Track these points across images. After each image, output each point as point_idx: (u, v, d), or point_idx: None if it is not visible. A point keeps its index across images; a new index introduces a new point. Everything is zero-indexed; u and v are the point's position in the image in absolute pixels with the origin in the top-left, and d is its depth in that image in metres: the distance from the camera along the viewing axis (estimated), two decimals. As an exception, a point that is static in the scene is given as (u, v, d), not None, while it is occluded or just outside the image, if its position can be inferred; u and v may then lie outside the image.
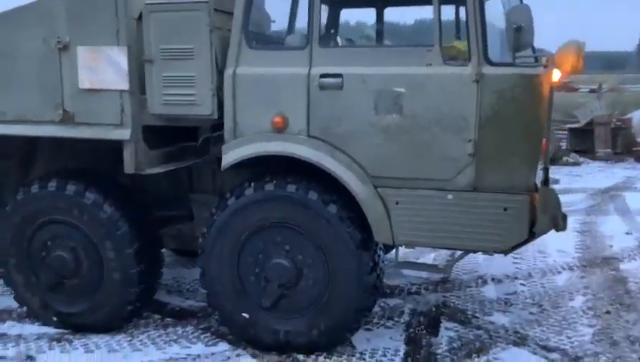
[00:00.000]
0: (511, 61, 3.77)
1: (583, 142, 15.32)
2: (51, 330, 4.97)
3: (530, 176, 3.87)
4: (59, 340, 4.80)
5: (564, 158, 14.44)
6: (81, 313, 4.90)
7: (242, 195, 4.35)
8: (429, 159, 3.99)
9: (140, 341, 4.77)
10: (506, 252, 4.07)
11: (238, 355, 4.51)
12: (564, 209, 8.42)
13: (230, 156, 4.33)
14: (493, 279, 6.05)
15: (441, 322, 5.03)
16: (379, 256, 4.33)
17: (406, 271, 6.22)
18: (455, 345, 4.64)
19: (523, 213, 3.87)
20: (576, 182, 11.82)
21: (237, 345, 4.62)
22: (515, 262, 6.59)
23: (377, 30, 5.80)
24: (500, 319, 5.09)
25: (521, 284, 5.92)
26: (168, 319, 5.18)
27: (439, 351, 4.54)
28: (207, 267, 4.51)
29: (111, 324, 4.89)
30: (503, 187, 3.90)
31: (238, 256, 4.44)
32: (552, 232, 7.30)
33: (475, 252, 4.17)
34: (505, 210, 3.89)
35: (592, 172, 13.07)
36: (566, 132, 15.76)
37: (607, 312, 5.21)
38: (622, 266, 6.45)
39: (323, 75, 4.08)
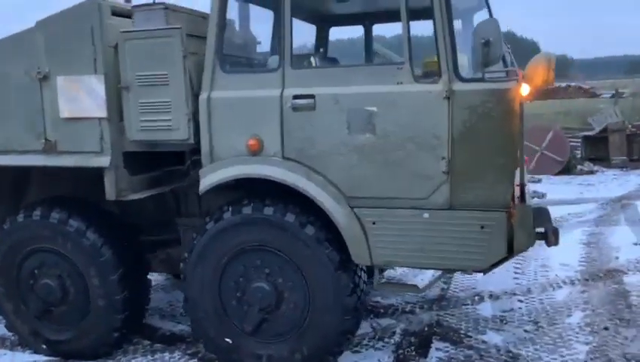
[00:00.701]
0: (480, 76, 3.71)
1: (598, 150, 15.05)
2: (42, 358, 4.99)
3: (507, 193, 3.77)
4: (47, 368, 4.82)
5: (578, 167, 14.20)
6: (69, 340, 4.91)
7: (221, 219, 4.33)
8: (403, 178, 3.93)
9: (128, 369, 4.76)
10: (484, 271, 3.98)
11: (221, 381, 4.46)
12: (574, 220, 8.32)
13: (207, 180, 4.32)
14: (490, 296, 5.92)
15: (432, 342, 4.93)
16: (359, 277, 4.25)
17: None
18: (443, 366, 4.53)
19: (500, 230, 3.77)
20: (588, 191, 11.60)
21: (225, 369, 4.57)
22: (515, 278, 6.46)
23: (366, 47, 5.80)
24: (493, 338, 4.96)
25: (519, 301, 5.78)
26: (158, 344, 5.16)
27: (426, 372, 4.45)
28: (189, 292, 4.49)
29: (98, 351, 4.89)
30: (480, 204, 3.82)
31: (220, 280, 4.41)
32: (556, 246, 7.22)
33: (453, 271, 4.08)
34: (482, 227, 3.80)
35: (606, 180, 12.81)
36: (580, 140, 15.51)
37: (605, 328, 5.05)
38: (626, 279, 6.27)
39: (296, 97, 4.06)
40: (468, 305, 5.73)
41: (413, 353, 4.76)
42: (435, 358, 4.65)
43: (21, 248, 4.89)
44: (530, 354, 4.65)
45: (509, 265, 6.69)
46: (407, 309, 5.67)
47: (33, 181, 5.44)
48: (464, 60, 4.04)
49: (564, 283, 6.24)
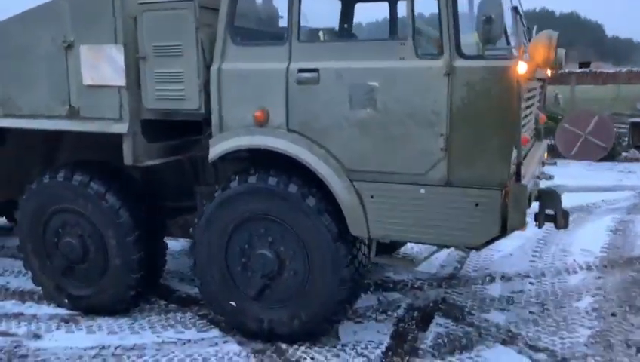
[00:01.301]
0: (480, 54, 3.70)
1: (646, 137, 14.54)
2: (64, 311, 5.30)
3: (503, 171, 3.78)
4: (68, 321, 5.12)
5: (623, 154, 13.77)
6: (88, 296, 5.21)
7: (228, 188, 4.49)
8: (402, 153, 3.98)
9: (140, 324, 5.01)
10: (477, 248, 4.01)
11: (225, 341, 4.66)
12: (606, 207, 8.17)
13: (216, 149, 4.48)
14: (502, 277, 5.92)
15: (433, 318, 4.99)
16: (358, 249, 4.35)
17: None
18: (441, 341, 4.60)
19: (495, 208, 3.79)
20: (628, 179, 11.28)
21: (228, 332, 4.77)
22: (532, 261, 6.42)
23: (391, 24, 5.82)
24: (496, 317, 4.99)
25: (530, 283, 5.76)
26: (172, 305, 5.40)
27: (422, 346, 4.52)
28: (198, 257, 4.69)
29: (115, 307, 5.16)
30: (476, 182, 3.84)
31: (226, 246, 4.58)
32: (582, 231, 7.15)
33: (447, 247, 4.12)
34: (477, 205, 3.83)
35: (649, 169, 12.39)
36: (627, 126, 14.99)
37: (613, 314, 5.00)
38: (647, 267, 6.15)
39: (300, 70, 4.15)
40: (478, 284, 5.75)
41: (414, 326, 4.84)
42: (434, 332, 4.72)
43: (46, 208, 5.19)
44: (530, 334, 4.66)
45: (527, 248, 6.73)
46: (416, 285, 5.74)
47: (64, 145, 5.74)
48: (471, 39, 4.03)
49: (581, 268, 6.16)
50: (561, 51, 5.79)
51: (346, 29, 5.86)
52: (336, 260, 4.25)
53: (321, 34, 4.42)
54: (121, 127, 4.70)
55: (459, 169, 3.87)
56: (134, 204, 5.03)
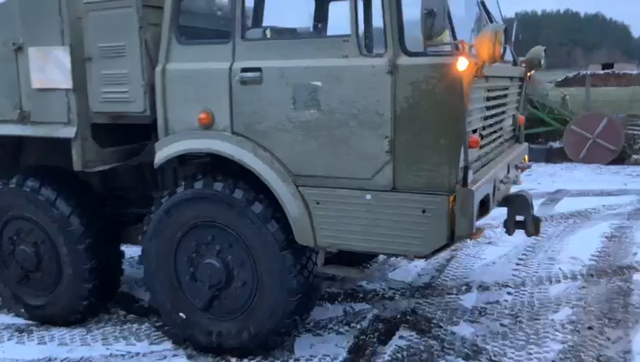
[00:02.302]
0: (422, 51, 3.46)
1: (659, 140, 14.03)
2: (21, 321, 5.16)
3: (450, 176, 3.52)
4: (22, 331, 4.98)
5: (633, 157, 13.30)
6: (43, 306, 5.06)
7: (174, 194, 4.30)
8: (348, 157, 3.75)
9: (93, 336, 4.84)
10: (426, 257, 3.74)
11: (174, 355, 4.46)
12: (606, 212, 7.85)
13: (161, 154, 4.30)
14: (480, 286, 5.62)
15: (398, 330, 4.73)
16: (309, 258, 4.11)
17: (392, 275, 5.99)
18: (399, 355, 4.33)
19: (442, 215, 3.53)
20: (634, 183, 10.87)
21: (180, 344, 4.57)
22: (515, 269, 6.11)
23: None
24: (463, 330, 4.71)
25: (508, 293, 5.45)
26: (131, 315, 5.23)
27: (379, 360, 4.26)
28: (146, 266, 4.50)
29: (69, 318, 5.00)
30: (422, 187, 3.59)
31: (175, 254, 4.39)
32: (575, 237, 6.83)
33: (396, 256, 3.87)
34: (423, 211, 3.58)
35: (658, 172, 11.92)
36: (640, 128, 14.50)
37: (590, 328, 4.68)
38: (635, 277, 5.78)
39: (244, 70, 3.95)
40: (452, 294, 5.46)
41: (375, 339, 4.59)
42: (395, 346, 4.45)
43: (1, 215, 5.06)
44: (495, 349, 4.37)
45: (512, 256, 6.42)
46: (387, 295, 5.48)
47: (28, 149, 5.60)
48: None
49: (565, 277, 5.83)
50: (540, 49, 5.53)
51: (289, 28, 5.62)
52: (284, 270, 4.02)
53: (268, 32, 4.20)
54: (68, 131, 4.55)
55: (405, 173, 3.62)
56: (86, 211, 4.85)
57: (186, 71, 4.15)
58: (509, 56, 4.67)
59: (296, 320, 4.20)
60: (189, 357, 4.41)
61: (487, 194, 3.92)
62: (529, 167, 5.20)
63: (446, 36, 3.56)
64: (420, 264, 6.29)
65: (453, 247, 6.73)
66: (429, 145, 3.54)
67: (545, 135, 15.14)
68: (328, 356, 4.34)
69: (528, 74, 5.46)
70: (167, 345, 4.62)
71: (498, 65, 4.07)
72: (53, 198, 4.78)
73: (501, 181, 4.28)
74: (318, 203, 3.86)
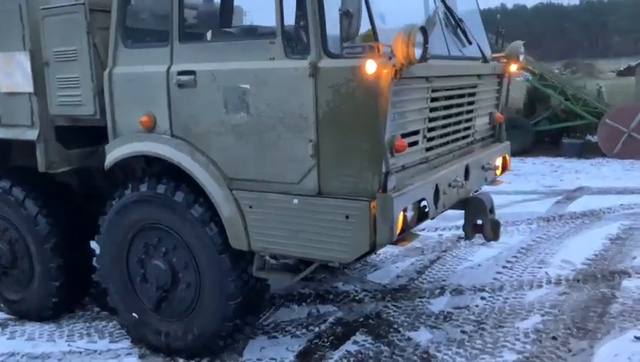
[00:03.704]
0: (340, 52, 3.36)
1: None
2: (1, 315, 5.36)
3: (372, 181, 3.41)
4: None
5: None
6: (19, 301, 5.24)
7: (123, 195, 4.36)
8: (276, 161, 3.69)
9: (61, 332, 4.98)
10: (349, 264, 3.65)
11: (128, 354, 4.54)
12: (620, 212, 7.51)
13: (110, 156, 4.36)
14: (454, 290, 5.45)
15: (354, 334, 4.65)
16: (248, 262, 4.08)
17: (371, 277, 5.89)
18: (346, 360, 4.26)
19: (363, 221, 3.42)
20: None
21: (137, 344, 4.64)
22: (499, 272, 5.90)
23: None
24: (420, 336, 4.58)
25: (482, 298, 5.26)
26: (104, 313, 5.34)
27: (323, 366, 4.21)
28: (102, 266, 4.59)
29: (41, 314, 5.16)
30: (346, 192, 3.49)
31: (127, 255, 4.45)
32: (577, 238, 6.57)
33: (324, 263, 3.77)
34: (347, 217, 3.48)
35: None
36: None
37: (554, 338, 4.46)
38: (624, 283, 5.47)
39: (180, 73, 3.95)
40: (424, 297, 5.32)
41: (327, 344, 4.52)
42: (344, 351, 4.38)
43: (-20, 214, 5.27)
44: (447, 357, 4.24)
45: (501, 258, 6.21)
46: (358, 297, 5.39)
47: (15, 150, 5.80)
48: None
49: (549, 282, 5.58)
50: (519, 43, 5.30)
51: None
52: (222, 274, 4.02)
53: (208, 34, 4.17)
54: (32, 134, 4.68)
55: (330, 178, 3.53)
56: (54, 210, 4.98)
57: (130, 74, 4.19)
58: (455, 52, 4.46)
59: (237, 324, 4.19)
60: (141, 356, 4.48)
61: (423, 199, 3.77)
62: (494, 168, 4.96)
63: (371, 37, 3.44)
64: (401, 265, 6.18)
65: (442, 248, 6.62)
66: (351, 150, 3.44)
67: (581, 129, 14.52)
68: (275, 360, 4.32)
69: (509, 70, 5.24)
70: (125, 343, 4.69)
71: (440, 63, 3.95)
72: (21, 198, 4.93)
73: (449, 184, 4.11)
74: (250, 207, 3.83)
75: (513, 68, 5.27)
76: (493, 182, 5.31)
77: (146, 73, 4.11)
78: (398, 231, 3.51)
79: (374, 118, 3.30)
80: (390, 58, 3.31)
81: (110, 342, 4.75)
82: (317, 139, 3.51)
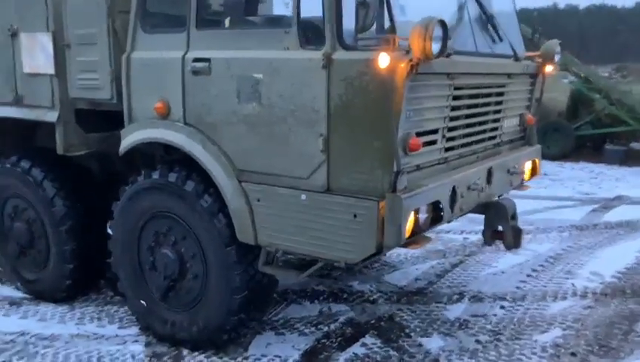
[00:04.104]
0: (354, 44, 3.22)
1: None
2: (18, 294, 5.41)
3: (382, 180, 3.26)
4: (14, 304, 5.22)
5: None
6: (35, 281, 5.29)
7: (135, 182, 4.31)
8: (286, 154, 3.58)
9: (72, 314, 4.99)
10: (356, 264, 3.51)
11: (135, 341, 4.50)
12: None
13: (125, 142, 4.32)
14: (473, 297, 5.25)
15: (363, 337, 4.51)
16: (256, 256, 3.98)
17: (388, 277, 5.74)
18: (351, 364, 4.14)
19: (371, 221, 3.28)
20: None
21: (145, 331, 4.60)
22: (523, 281, 5.66)
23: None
24: (433, 343, 4.41)
25: (501, 307, 5.05)
26: (117, 297, 5.33)
27: (329, 367, 4.09)
28: (114, 251, 4.56)
29: (55, 295, 5.19)
30: (356, 190, 3.35)
31: (138, 243, 4.42)
32: (609, 250, 6.32)
33: (330, 262, 3.63)
34: (355, 216, 3.34)
35: None
36: None
37: (573, 354, 4.24)
38: (656, 300, 5.19)
39: (195, 60, 3.87)
40: (441, 303, 5.14)
41: (335, 345, 4.40)
42: (351, 354, 4.26)
43: (2, 192, 5.32)
44: (457, 367, 4.07)
45: (527, 266, 5.98)
46: (372, 298, 5.25)
47: (41, 131, 5.84)
48: None
49: (574, 294, 5.33)
50: (554, 43, 5.05)
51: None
52: (228, 267, 3.93)
53: (227, 21, 4.08)
54: (52, 116, 4.69)
55: (339, 175, 3.40)
56: (72, 193, 4.99)
57: (147, 60, 4.13)
58: (484, 49, 4.26)
59: (242, 318, 4.10)
60: (147, 344, 4.44)
61: (437, 202, 3.60)
62: (522, 172, 4.73)
63: None
64: (421, 267, 6.01)
65: (465, 252, 6.41)
66: (362, 147, 3.30)
67: (625, 135, 13.98)
68: (279, 357, 4.23)
69: (543, 70, 5.01)
70: (134, 330, 4.66)
71: (464, 59, 3.77)
72: (40, 179, 4.95)
73: (468, 187, 3.93)
74: (258, 200, 3.73)
75: (548, 68, 5.04)
76: (520, 186, 5.08)
77: (162, 59, 4.04)
78: (407, 234, 3.36)
79: (387, 115, 3.15)
80: (407, 52, 3.15)
81: (119, 328, 4.73)
82: (328, 134, 3.38)
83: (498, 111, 4.55)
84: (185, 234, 4.14)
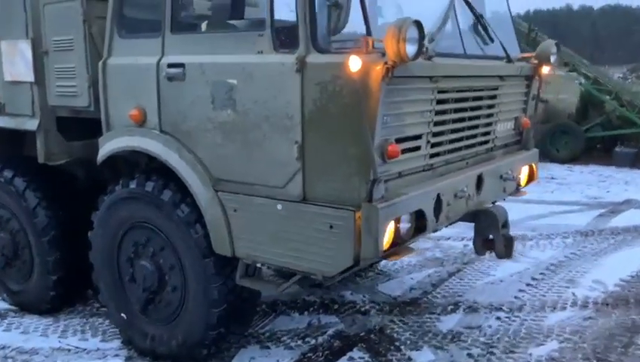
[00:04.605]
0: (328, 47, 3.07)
1: None
2: (4, 306, 5.31)
3: (359, 189, 3.10)
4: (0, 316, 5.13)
5: None
6: (20, 292, 5.18)
7: (113, 191, 4.19)
8: (262, 162, 3.44)
9: (56, 327, 4.88)
10: (333, 277, 3.34)
11: (115, 355, 4.38)
12: None
13: (103, 150, 4.20)
14: (469, 307, 5.07)
15: (351, 350, 4.35)
16: (235, 268, 3.84)
17: (382, 287, 5.58)
18: (337, 379, 3.98)
19: (347, 232, 3.12)
20: None
21: (127, 345, 4.48)
22: (522, 290, 5.46)
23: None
24: (422, 356, 4.24)
25: (497, 318, 4.85)
26: (104, 309, 5.19)
27: (312, 383, 3.94)
28: (94, 262, 4.44)
29: (40, 306, 5.08)
30: (332, 200, 3.20)
31: (118, 253, 4.30)
32: (614, 257, 6.12)
33: (307, 275, 3.48)
34: (331, 227, 3.19)
35: None
36: None
37: (569, 368, 4.05)
38: (660, 310, 4.97)
39: (170, 65, 3.74)
40: (434, 314, 4.96)
41: (321, 359, 4.24)
42: (337, 369, 4.10)
43: (-15, 203, 5.23)
44: (446, 383, 3.90)
45: (527, 274, 5.79)
46: (364, 309, 5.08)
47: (27, 139, 5.74)
48: None
49: (574, 304, 5.12)
50: (550, 43, 4.87)
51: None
52: (206, 279, 3.80)
53: (203, 25, 3.95)
54: (32, 124, 4.59)
55: (315, 183, 3.25)
56: (55, 203, 4.88)
57: (123, 65, 4.01)
58: (474, 50, 4.09)
59: (221, 332, 3.96)
60: (128, 359, 4.32)
61: (421, 210, 3.43)
62: (516, 178, 4.54)
63: None
64: (417, 276, 5.84)
65: (464, 260, 6.23)
66: (337, 154, 3.15)
67: (636, 137, 13.68)
68: (263, 372, 4.08)
69: (540, 71, 4.82)
70: (116, 344, 4.54)
71: (448, 62, 3.60)
72: (22, 189, 4.85)
73: (455, 195, 3.76)
74: (235, 210, 3.59)
75: (545, 70, 4.85)
76: (516, 192, 4.89)
77: (137, 65, 3.93)
78: (387, 245, 3.20)
79: (361, 120, 2.99)
80: (383, 55, 3.00)
81: (101, 341, 4.61)
82: (302, 141, 3.24)
83: (490, 115, 4.38)
84: (163, 245, 4.01)
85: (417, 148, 3.56)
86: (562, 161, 12.89)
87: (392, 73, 2.98)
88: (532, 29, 4.79)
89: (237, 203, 3.58)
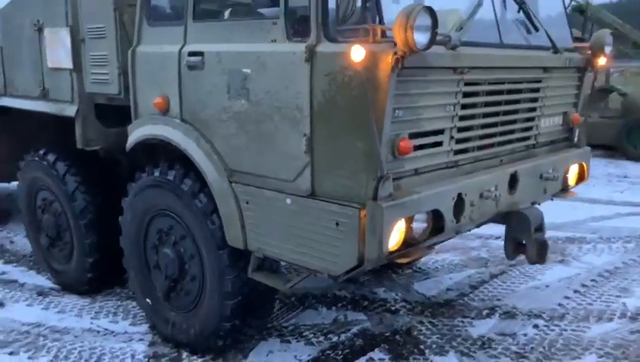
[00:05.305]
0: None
1: None
2: (48, 284, 5.53)
3: (366, 185, 2.95)
4: (41, 294, 5.33)
5: None
6: (62, 272, 5.37)
7: (140, 179, 4.23)
8: (273, 154, 3.34)
9: (91, 308, 5.01)
10: (339, 277, 3.20)
11: (140, 339, 4.43)
12: None
13: (131, 138, 4.24)
14: (506, 313, 4.79)
15: (372, 351, 4.21)
16: (249, 261, 3.77)
17: (418, 286, 5.38)
18: (352, 380, 3.86)
19: (353, 230, 2.98)
20: None
21: (154, 329, 4.54)
22: (567, 297, 5.12)
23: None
24: (447, 362, 4.05)
25: (534, 326, 4.56)
26: (138, 292, 5.32)
27: (326, 382, 3.83)
28: (124, 248, 4.52)
29: (78, 287, 5.24)
30: (339, 196, 3.06)
31: (144, 240, 4.35)
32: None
33: (314, 272, 3.34)
34: (337, 224, 3.06)
35: None
36: None
37: (604, 386, 3.74)
38: None
39: (190, 54, 3.71)
40: (467, 317, 4.72)
41: (340, 357, 4.13)
42: (355, 369, 3.98)
43: (33, 185, 5.43)
44: (465, 393, 3.69)
45: (576, 280, 5.44)
46: (393, 308, 4.91)
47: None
48: None
49: (623, 316, 4.74)
50: (604, 33, 4.51)
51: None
52: (221, 271, 3.76)
53: (227, 13, 3.87)
54: (71, 110, 4.71)
55: (323, 178, 3.13)
56: (93, 187, 4.99)
57: (149, 54, 4.02)
58: (513, 39, 3.81)
59: (235, 324, 3.91)
60: (151, 344, 4.36)
61: (437, 210, 3.23)
62: (557, 178, 4.21)
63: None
64: (456, 276, 5.60)
65: (512, 261, 5.91)
66: (346, 149, 3.01)
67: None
68: (279, 367, 4.02)
69: (595, 63, 4.47)
70: (143, 328, 4.60)
71: (476, 52, 3.37)
72: (63, 173, 5.00)
73: (481, 195, 3.52)
74: (247, 202, 3.52)
75: (601, 61, 4.49)
76: (563, 193, 4.55)
77: (162, 53, 3.91)
78: (396, 246, 3.04)
79: (369, 113, 2.83)
80: (395, 44, 2.82)
81: (130, 325, 4.69)
82: (311, 134, 3.12)
83: (532, 110, 4.09)
84: (184, 234, 4.01)
85: (439, 143, 3.36)
86: (639, 159, 12.04)
87: (402, 64, 2.80)
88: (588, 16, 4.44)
89: (249, 195, 3.51)
